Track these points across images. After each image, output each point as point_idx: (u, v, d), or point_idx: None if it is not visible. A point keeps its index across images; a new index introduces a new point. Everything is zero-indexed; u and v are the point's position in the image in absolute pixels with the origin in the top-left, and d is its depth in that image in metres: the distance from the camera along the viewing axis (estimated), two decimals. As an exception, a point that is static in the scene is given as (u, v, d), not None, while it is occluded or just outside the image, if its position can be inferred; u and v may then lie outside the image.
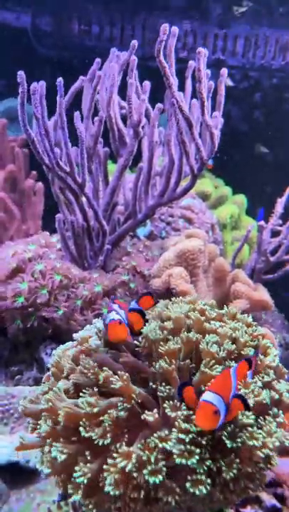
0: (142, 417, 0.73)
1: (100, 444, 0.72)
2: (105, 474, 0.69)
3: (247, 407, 0.71)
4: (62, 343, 1.42)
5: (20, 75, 1.35)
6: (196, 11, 2.65)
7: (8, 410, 1.27)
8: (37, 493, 1.08)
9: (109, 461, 0.70)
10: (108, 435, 0.72)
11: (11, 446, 1.12)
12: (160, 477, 0.69)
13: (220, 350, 0.77)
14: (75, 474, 0.72)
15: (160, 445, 0.70)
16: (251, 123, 2.81)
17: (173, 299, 0.94)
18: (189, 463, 0.69)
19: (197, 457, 0.69)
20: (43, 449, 0.80)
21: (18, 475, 1.11)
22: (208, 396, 0.68)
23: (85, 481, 0.71)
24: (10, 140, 2.20)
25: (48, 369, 0.97)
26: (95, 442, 0.72)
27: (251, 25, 2.66)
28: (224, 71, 1.47)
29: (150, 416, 0.72)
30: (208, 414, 0.67)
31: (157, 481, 0.69)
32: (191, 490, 0.71)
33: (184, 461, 0.69)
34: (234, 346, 0.80)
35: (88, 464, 0.72)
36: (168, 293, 1.52)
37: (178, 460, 0.69)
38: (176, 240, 1.69)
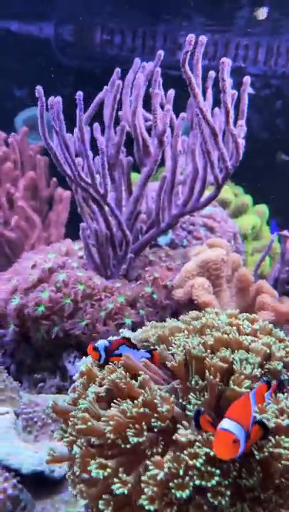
0: (174, 437, 0.72)
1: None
2: (143, 485, 0.68)
3: (266, 434, 0.69)
4: (85, 352, 1.43)
5: (38, 89, 1.38)
6: (217, 19, 2.66)
7: (32, 418, 1.27)
8: (61, 503, 1.08)
9: (149, 473, 0.69)
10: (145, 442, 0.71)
11: (36, 455, 1.12)
12: (187, 492, 0.68)
13: (251, 368, 0.76)
14: (113, 486, 0.70)
15: (190, 462, 0.69)
16: (272, 131, 2.79)
17: (209, 309, 0.94)
18: (209, 485, 0.67)
19: (217, 478, 0.67)
20: (73, 469, 0.79)
21: (43, 484, 1.11)
22: (226, 424, 0.65)
23: (126, 492, 0.69)
24: (30, 148, 2.23)
25: (73, 380, 0.97)
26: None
27: (272, 33, 2.66)
28: (247, 79, 1.47)
29: (183, 437, 0.71)
30: (227, 443, 0.64)
31: (184, 495, 0.68)
32: (211, 500, 0.69)
33: (203, 483, 0.68)
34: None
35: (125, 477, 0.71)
36: (190, 303, 1.51)
37: (197, 482, 0.68)
38: (198, 249, 1.68)
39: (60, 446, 0.87)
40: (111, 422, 0.73)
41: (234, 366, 0.75)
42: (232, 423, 0.65)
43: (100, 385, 0.83)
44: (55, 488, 1.11)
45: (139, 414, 0.73)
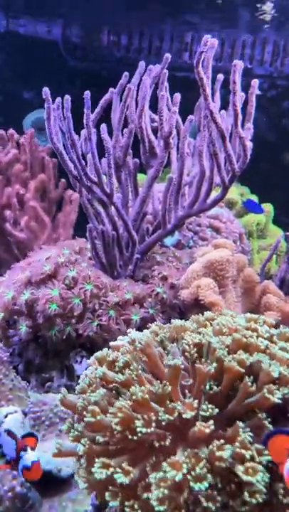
0: (195, 429, 0.71)
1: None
2: (153, 488, 0.68)
3: None
4: (92, 351, 1.44)
5: (45, 91, 1.39)
6: (223, 20, 2.67)
7: (40, 417, 1.29)
8: (69, 502, 1.09)
9: (159, 474, 0.69)
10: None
11: (44, 455, 1.13)
12: (205, 484, 0.67)
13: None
14: (115, 476, 0.71)
15: (217, 453, 0.68)
16: (279, 132, 2.79)
17: (224, 310, 0.94)
18: (253, 480, 0.67)
19: (261, 474, 0.67)
20: (80, 461, 0.81)
21: (50, 483, 1.12)
22: None
23: (127, 481, 0.69)
24: (39, 150, 2.25)
25: (79, 377, 0.98)
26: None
27: (278, 33, 2.66)
28: (255, 82, 1.47)
29: (206, 428, 0.71)
30: None
31: (203, 487, 0.67)
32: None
33: (248, 478, 0.67)
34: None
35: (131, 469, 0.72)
36: (196, 304, 1.52)
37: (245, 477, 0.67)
38: (204, 250, 1.69)
39: (67, 442, 0.88)
40: (119, 414, 0.73)
41: (262, 366, 0.75)
42: None
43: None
44: (62, 486, 1.12)
45: (145, 400, 0.74)
